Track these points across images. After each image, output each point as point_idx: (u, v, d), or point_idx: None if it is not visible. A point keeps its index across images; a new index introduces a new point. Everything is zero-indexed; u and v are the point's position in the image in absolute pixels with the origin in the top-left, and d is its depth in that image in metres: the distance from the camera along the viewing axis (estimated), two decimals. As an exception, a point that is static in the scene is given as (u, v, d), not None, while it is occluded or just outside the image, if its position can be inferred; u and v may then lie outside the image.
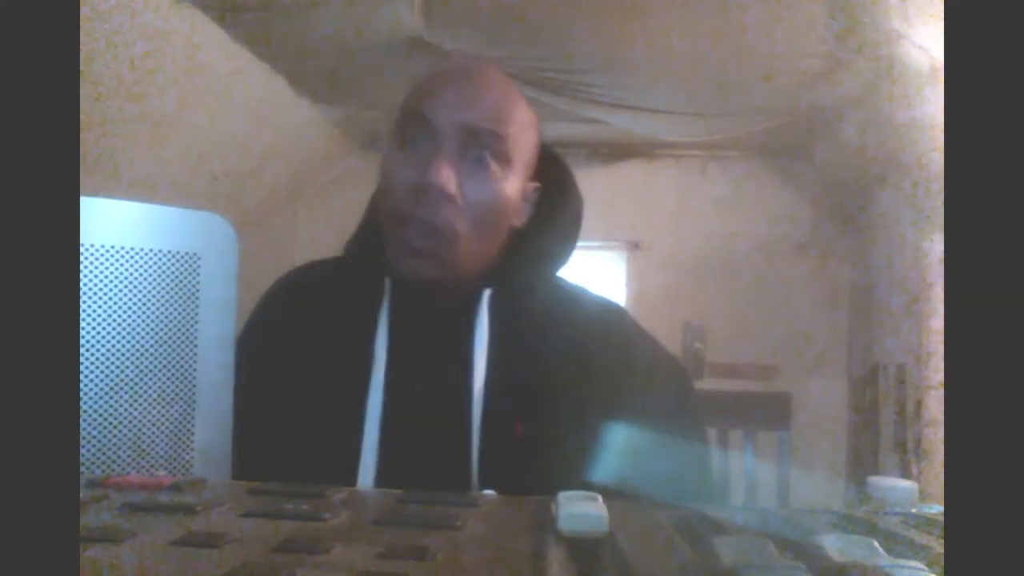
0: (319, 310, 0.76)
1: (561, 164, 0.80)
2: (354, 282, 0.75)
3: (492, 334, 0.71)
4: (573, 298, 0.78)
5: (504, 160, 0.70)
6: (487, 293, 0.73)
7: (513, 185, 0.71)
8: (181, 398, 0.59)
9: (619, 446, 0.67)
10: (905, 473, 1.93)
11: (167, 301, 0.58)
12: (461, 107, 0.69)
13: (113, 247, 0.56)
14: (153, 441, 0.57)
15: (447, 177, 0.66)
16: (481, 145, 0.69)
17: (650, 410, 0.72)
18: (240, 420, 0.60)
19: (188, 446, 0.59)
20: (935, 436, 1.88)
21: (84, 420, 0.54)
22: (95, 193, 0.55)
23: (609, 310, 0.80)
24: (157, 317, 0.58)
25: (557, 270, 0.79)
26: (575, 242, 0.80)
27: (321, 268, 0.82)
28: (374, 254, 0.73)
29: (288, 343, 0.75)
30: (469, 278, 0.71)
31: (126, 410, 0.56)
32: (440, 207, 0.67)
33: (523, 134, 0.73)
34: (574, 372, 0.71)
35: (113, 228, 0.56)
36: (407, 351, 0.71)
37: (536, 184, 0.76)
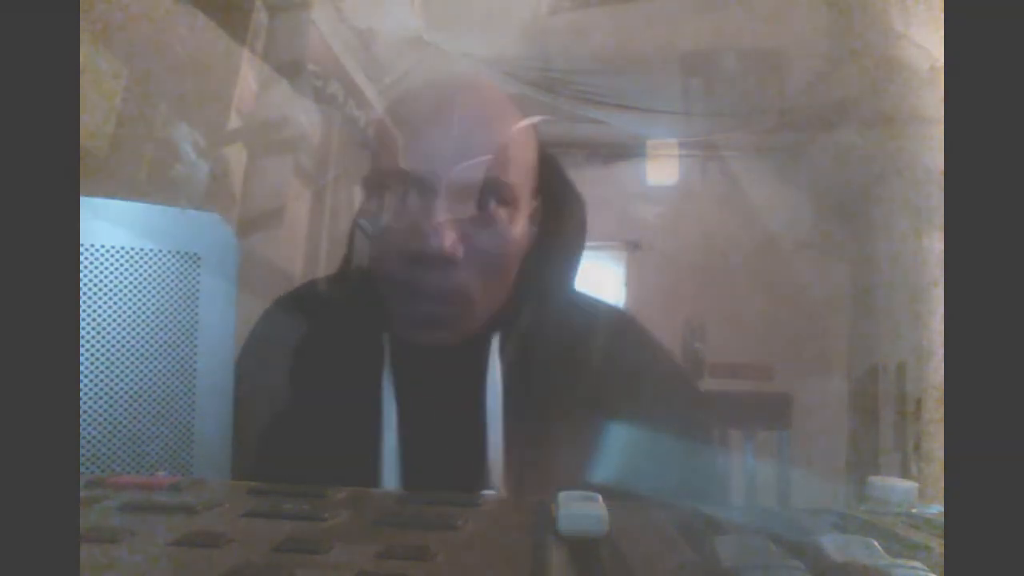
0: (319, 360, 0.67)
1: (555, 166, 0.72)
2: (352, 337, 0.68)
3: (506, 377, 0.64)
4: (583, 319, 0.70)
5: (512, 202, 0.63)
6: (495, 339, 0.65)
7: (521, 222, 0.64)
8: (181, 398, 0.59)
9: (630, 453, 0.63)
10: (905, 473, 1.93)
11: (167, 301, 0.58)
12: (456, 158, 0.60)
13: (113, 247, 0.56)
14: (153, 441, 0.57)
15: (451, 240, 0.59)
16: (485, 194, 0.61)
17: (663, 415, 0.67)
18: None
19: (188, 446, 0.59)
20: (935, 436, 1.88)
21: (84, 420, 0.54)
22: (95, 193, 0.55)
23: (620, 320, 0.74)
24: (157, 317, 0.58)
25: (567, 286, 0.72)
26: (582, 249, 0.72)
27: (317, 302, 0.72)
28: (368, 308, 0.65)
29: (286, 389, 0.67)
30: (481, 324, 0.65)
31: (126, 410, 0.56)
32: (448, 274, 0.60)
33: (524, 159, 0.65)
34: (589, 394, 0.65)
35: (113, 228, 0.56)
36: (417, 410, 0.64)
37: (535, 203, 0.68)
